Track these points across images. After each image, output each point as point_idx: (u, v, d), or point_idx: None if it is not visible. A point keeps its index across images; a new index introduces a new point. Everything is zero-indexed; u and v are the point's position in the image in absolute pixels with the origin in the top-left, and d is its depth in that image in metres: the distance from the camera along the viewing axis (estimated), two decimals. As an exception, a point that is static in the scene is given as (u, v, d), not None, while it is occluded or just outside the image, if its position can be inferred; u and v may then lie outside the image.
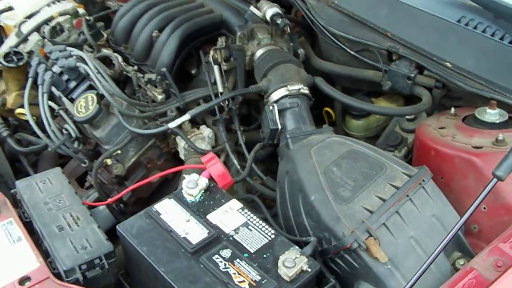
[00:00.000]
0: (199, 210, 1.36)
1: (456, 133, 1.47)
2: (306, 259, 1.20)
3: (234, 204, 1.39)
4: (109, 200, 1.60)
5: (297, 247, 1.26)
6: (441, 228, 1.29)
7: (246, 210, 1.37)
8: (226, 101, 1.77)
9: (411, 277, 1.20)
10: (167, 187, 1.89)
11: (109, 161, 1.72)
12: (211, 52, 1.83)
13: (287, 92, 1.59)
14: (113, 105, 1.67)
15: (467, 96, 1.63)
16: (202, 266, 1.22)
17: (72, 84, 1.78)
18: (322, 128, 1.56)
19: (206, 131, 1.81)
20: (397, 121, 1.78)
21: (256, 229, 1.31)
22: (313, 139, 1.49)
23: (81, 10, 2.15)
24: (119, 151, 1.73)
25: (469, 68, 1.58)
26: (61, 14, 2.10)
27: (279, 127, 1.56)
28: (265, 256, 1.24)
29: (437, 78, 1.64)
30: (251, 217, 1.34)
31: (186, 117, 1.64)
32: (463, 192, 1.37)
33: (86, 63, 1.73)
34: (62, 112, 1.76)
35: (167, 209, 1.35)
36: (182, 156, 1.80)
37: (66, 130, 1.77)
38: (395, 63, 1.70)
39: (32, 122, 1.72)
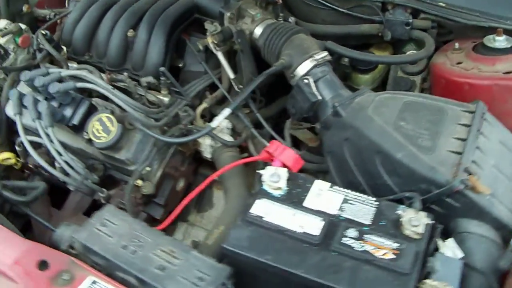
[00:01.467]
0: (293, 201, 1.31)
1: (477, 65, 1.59)
2: (425, 213, 1.24)
3: (321, 184, 1.36)
4: (167, 221, 1.45)
5: (403, 205, 1.29)
6: (507, 151, 1.41)
7: (335, 187, 1.35)
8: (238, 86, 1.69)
9: (504, 201, 1.32)
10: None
11: (140, 182, 1.55)
12: (209, 39, 1.70)
13: (314, 62, 1.56)
14: (138, 119, 1.49)
15: (457, 29, 1.76)
16: (336, 253, 1.18)
17: (68, 110, 1.53)
18: (360, 89, 1.58)
19: (224, 122, 1.71)
20: (397, 67, 1.86)
21: (357, 202, 1.30)
22: (362, 101, 1.50)
23: (23, 26, 1.83)
24: (148, 168, 1.56)
25: (462, 3, 1.70)
26: (2, 35, 1.77)
27: (319, 97, 1.54)
28: (382, 223, 1.25)
29: (433, 19, 1.73)
30: (345, 192, 1.33)
31: (227, 111, 1.52)
32: (504, 115, 1.50)
33: (84, 81, 1.50)
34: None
35: (265, 210, 1.27)
36: (207, 155, 1.69)
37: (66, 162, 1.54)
38: (390, 12, 1.76)
39: (43, 163, 1.46)
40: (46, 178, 1.70)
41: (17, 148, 1.66)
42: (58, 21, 2.01)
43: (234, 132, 1.75)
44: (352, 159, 1.47)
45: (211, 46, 1.74)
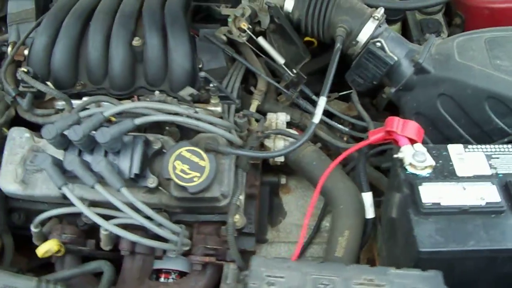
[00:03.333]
0: (445, 174, 1.16)
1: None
2: None
3: (455, 148, 1.23)
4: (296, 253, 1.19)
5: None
6: None
7: (468, 146, 1.23)
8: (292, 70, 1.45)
9: None
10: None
11: (237, 217, 1.25)
12: (238, 26, 1.41)
13: (376, 22, 1.38)
14: (235, 142, 1.18)
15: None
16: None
17: (123, 159, 1.15)
18: (426, 38, 1.45)
19: (281, 116, 1.47)
20: (413, 12, 1.77)
21: (499, 154, 1.21)
22: (441, 51, 1.38)
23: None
24: (241, 197, 1.27)
25: None
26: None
27: (396, 58, 1.39)
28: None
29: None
30: (480, 148, 1.22)
31: (323, 101, 1.26)
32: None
33: (144, 114, 1.14)
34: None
35: (435, 195, 1.11)
36: (279, 159, 1.44)
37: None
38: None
39: (143, 240, 1.09)
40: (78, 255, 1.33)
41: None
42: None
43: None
44: (450, 113, 1.37)
45: (235, 33, 1.46)
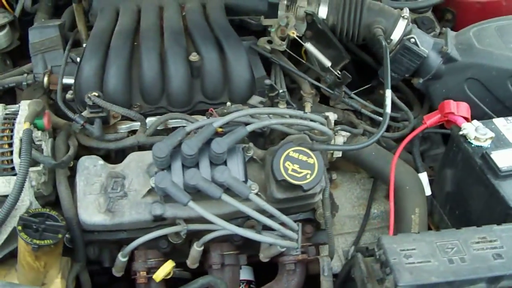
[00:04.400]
0: (501, 143, 1.34)
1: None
2: None
3: (499, 121, 1.42)
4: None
5: None
6: None
7: (509, 118, 1.43)
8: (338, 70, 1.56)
9: None
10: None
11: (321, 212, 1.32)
12: (291, 33, 1.48)
13: (406, 21, 1.54)
14: (330, 137, 1.23)
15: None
16: None
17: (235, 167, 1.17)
18: (443, 32, 1.64)
19: (331, 115, 1.56)
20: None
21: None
22: (462, 41, 1.59)
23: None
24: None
25: None
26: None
27: (427, 51, 1.56)
28: None
29: None
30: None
31: (389, 92, 1.37)
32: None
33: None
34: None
35: (506, 157, 1.28)
36: (337, 155, 1.52)
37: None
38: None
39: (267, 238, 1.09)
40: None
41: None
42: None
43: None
44: (477, 94, 1.57)
45: (277, 42, 1.54)
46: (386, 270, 1.08)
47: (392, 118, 1.65)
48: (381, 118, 1.58)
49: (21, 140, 1.20)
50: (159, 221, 1.26)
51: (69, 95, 1.44)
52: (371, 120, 1.70)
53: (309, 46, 1.54)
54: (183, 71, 1.40)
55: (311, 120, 1.22)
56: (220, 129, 1.16)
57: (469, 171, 1.34)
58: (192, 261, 1.32)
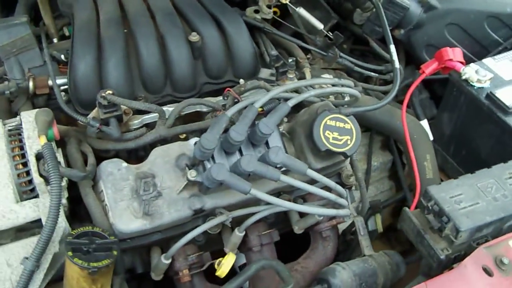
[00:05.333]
0: (497, 81, 1.44)
1: None
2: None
3: (488, 61, 1.51)
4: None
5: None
6: None
7: (495, 57, 1.53)
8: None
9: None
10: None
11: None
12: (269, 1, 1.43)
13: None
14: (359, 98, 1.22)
15: None
16: None
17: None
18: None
19: (328, 76, 1.55)
20: None
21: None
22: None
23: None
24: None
25: None
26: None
27: (409, 2, 1.59)
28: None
29: None
30: (506, 56, 1.53)
31: (393, 47, 1.37)
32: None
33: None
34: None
35: (509, 94, 1.38)
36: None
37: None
38: None
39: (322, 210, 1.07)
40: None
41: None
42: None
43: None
44: (456, 38, 1.66)
45: (265, 11, 1.49)
46: (443, 219, 1.13)
47: (378, 72, 1.69)
48: (373, 74, 1.63)
49: (36, 157, 1.07)
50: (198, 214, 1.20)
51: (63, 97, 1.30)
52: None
53: (301, 11, 1.51)
54: (186, 53, 1.31)
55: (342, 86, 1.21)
56: (260, 109, 1.12)
57: (475, 112, 1.42)
58: (232, 248, 1.28)
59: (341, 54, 1.62)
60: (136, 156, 1.29)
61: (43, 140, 1.05)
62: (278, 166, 1.08)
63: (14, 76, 1.33)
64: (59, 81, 1.31)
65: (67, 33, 1.55)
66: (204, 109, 1.31)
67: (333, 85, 1.18)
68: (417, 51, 1.68)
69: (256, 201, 1.23)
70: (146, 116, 1.28)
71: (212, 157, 1.12)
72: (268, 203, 1.12)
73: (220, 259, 1.18)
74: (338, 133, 1.18)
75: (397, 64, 1.36)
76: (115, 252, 1.01)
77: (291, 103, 1.11)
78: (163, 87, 1.33)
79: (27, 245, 1.03)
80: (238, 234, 1.24)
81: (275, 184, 1.15)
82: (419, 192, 1.38)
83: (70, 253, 0.97)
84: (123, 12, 1.35)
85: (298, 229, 1.35)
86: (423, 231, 1.16)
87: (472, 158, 1.49)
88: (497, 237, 1.14)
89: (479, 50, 1.67)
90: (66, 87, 1.31)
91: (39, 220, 1.04)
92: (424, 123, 1.57)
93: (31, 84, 1.28)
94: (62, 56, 1.33)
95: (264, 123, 1.07)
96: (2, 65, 1.35)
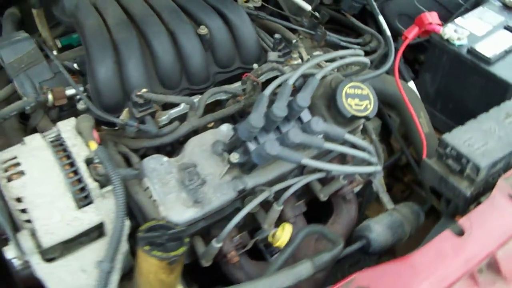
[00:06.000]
0: (473, 37, 1.61)
1: None
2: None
3: (459, 20, 1.67)
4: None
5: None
6: None
7: (464, 16, 1.69)
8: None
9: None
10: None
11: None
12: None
13: None
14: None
15: None
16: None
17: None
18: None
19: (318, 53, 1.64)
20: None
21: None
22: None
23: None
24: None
25: None
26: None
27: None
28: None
29: None
30: (472, 14, 1.70)
31: (382, 19, 1.49)
32: None
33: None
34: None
35: (486, 47, 1.54)
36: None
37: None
38: None
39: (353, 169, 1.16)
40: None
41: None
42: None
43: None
44: (425, 5, 1.84)
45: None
46: (463, 161, 1.26)
47: (359, 44, 1.81)
48: (357, 47, 1.74)
49: (87, 163, 1.08)
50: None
51: (81, 105, 1.30)
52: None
53: (290, -6, 1.59)
54: (198, 46, 1.36)
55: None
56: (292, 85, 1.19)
57: (458, 68, 1.58)
58: (271, 223, 1.35)
59: (328, 32, 1.73)
60: (164, 151, 1.32)
61: (93, 145, 1.07)
62: (318, 135, 1.17)
63: (26, 91, 1.31)
64: (73, 90, 1.31)
65: (59, 45, 1.54)
66: (224, 97, 1.37)
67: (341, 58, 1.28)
68: (390, 20, 1.82)
69: (287, 175, 1.31)
70: (172, 111, 1.31)
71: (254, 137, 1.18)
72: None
73: (274, 231, 1.24)
74: (358, 99, 1.29)
75: (388, 33, 1.49)
76: (186, 240, 1.05)
77: (318, 76, 1.20)
78: (180, 81, 1.36)
79: (97, 249, 1.04)
80: (277, 208, 1.31)
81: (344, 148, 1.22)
82: (425, 144, 1.51)
83: (147, 247, 1.00)
84: (128, 15, 1.36)
85: (323, 196, 1.44)
86: (446, 176, 1.30)
87: (459, 110, 1.65)
88: (507, 170, 1.29)
89: (445, 14, 1.83)
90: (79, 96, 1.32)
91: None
92: (411, 84, 1.72)
93: (50, 96, 1.27)
94: (75, 65, 1.33)
95: (302, 97, 1.15)
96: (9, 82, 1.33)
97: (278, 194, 1.28)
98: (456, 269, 1.04)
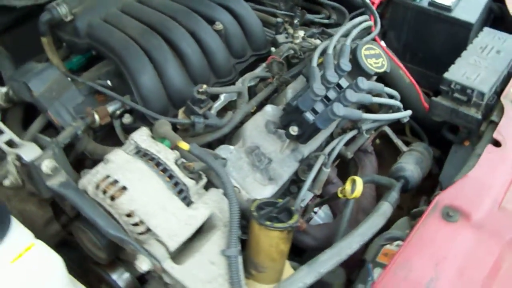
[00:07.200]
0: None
1: None
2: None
3: None
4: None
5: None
6: None
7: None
8: None
9: None
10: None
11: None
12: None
13: None
14: None
15: None
16: None
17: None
18: None
19: (301, 32, 1.78)
20: None
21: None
22: None
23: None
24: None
25: None
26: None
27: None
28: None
29: None
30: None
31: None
32: None
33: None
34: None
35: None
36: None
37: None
38: None
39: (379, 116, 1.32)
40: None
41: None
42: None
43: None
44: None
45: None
46: (468, 92, 1.49)
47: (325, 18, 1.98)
48: (326, 21, 1.91)
49: (178, 163, 1.11)
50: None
51: (127, 119, 1.31)
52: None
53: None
54: (219, 42, 1.43)
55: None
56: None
57: (423, 20, 1.81)
58: (320, 186, 1.46)
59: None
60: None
61: (184, 145, 1.10)
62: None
63: (64, 119, 1.28)
64: (114, 106, 1.31)
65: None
66: (252, 83, 1.45)
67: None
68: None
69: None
70: (215, 104, 1.36)
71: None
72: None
73: (341, 188, 1.35)
74: (374, 58, 1.45)
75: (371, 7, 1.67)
76: (293, 208, 1.13)
77: (348, 42, 1.34)
78: (209, 77, 1.42)
79: (217, 240, 1.08)
80: (326, 170, 1.43)
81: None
82: (419, 89, 1.72)
83: (268, 222, 1.07)
84: (144, 24, 1.38)
85: (350, 154, 1.58)
86: (456, 107, 1.52)
87: (429, 57, 1.88)
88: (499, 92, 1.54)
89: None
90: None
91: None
92: (382, 43, 1.92)
93: (96, 117, 1.26)
94: (108, 82, 1.33)
95: (343, 62, 1.28)
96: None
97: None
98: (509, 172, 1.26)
